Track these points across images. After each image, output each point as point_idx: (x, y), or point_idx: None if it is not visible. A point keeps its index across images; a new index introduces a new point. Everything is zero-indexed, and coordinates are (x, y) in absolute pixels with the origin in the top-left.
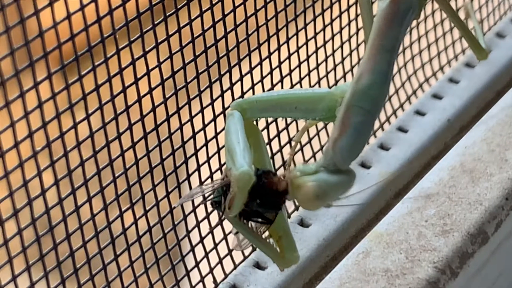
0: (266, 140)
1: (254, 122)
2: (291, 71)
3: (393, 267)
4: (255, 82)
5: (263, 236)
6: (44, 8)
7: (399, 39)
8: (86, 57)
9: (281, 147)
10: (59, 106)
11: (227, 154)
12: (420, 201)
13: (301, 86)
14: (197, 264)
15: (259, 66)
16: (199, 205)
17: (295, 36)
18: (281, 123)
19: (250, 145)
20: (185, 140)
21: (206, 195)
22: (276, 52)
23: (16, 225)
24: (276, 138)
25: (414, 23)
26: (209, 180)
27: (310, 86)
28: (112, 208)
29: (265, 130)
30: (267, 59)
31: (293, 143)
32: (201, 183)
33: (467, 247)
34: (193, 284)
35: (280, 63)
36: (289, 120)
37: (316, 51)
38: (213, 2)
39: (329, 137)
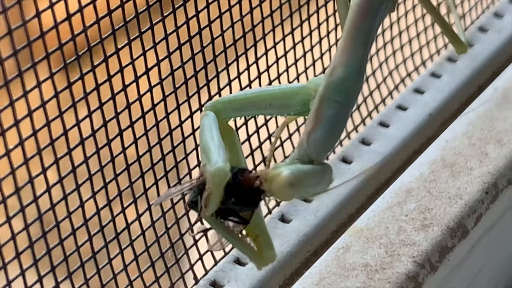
0: (245, 137)
1: (231, 122)
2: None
3: (373, 262)
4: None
5: (240, 235)
6: None
7: (372, 32)
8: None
9: (260, 143)
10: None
11: (202, 153)
12: (400, 196)
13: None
14: (177, 261)
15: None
16: (176, 203)
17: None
18: (260, 119)
19: (226, 145)
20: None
21: (184, 194)
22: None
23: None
24: (256, 134)
25: (395, 17)
26: (187, 178)
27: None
28: (89, 206)
29: (244, 126)
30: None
31: (272, 139)
32: (179, 181)
33: (446, 241)
34: (173, 280)
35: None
36: (268, 116)
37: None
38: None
39: (303, 130)
